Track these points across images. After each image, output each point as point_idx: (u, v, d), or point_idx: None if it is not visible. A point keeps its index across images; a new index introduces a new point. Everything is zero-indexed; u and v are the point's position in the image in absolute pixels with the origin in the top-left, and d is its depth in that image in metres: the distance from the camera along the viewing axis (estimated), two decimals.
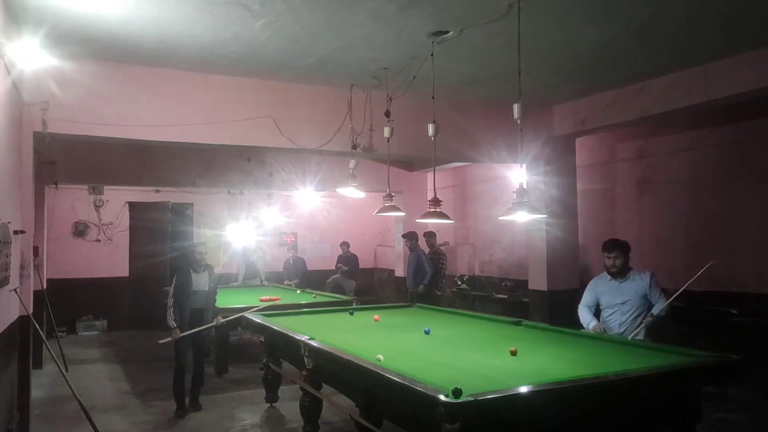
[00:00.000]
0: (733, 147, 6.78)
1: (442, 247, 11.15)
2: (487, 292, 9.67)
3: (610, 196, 8.20)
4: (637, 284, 4.70)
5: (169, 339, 5.65)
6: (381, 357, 3.64)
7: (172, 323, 5.61)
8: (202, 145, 6.14)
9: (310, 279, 10.30)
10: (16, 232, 4.61)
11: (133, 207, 11.17)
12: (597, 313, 4.93)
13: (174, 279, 5.82)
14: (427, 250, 9.11)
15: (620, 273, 4.76)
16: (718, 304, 6.53)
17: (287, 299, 7.82)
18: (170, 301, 5.67)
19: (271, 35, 4.81)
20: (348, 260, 11.30)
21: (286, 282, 10.15)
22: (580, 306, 4.96)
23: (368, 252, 13.00)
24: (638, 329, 4.55)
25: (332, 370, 4.09)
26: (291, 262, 10.65)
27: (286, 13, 4.33)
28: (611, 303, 4.78)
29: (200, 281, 5.84)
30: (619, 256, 4.76)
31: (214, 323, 5.97)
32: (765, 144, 6.45)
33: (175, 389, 5.71)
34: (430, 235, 9.28)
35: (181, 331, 5.65)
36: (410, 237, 9.04)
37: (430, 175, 9.67)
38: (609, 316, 4.80)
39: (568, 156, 7.60)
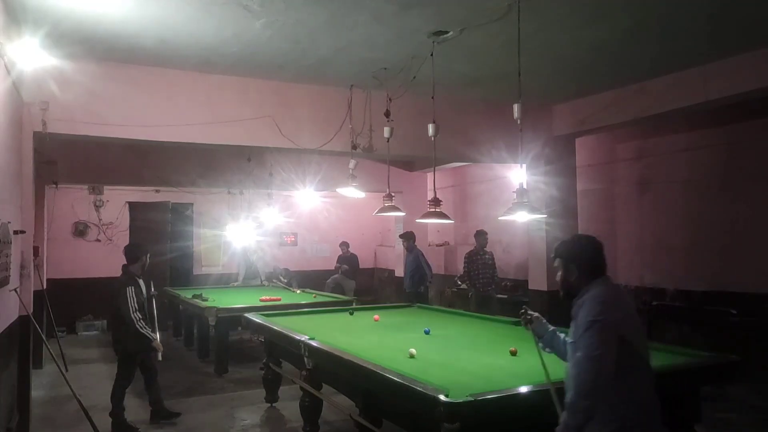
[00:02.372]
0: (731, 147, 6.78)
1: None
2: None
3: (609, 196, 8.20)
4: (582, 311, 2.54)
5: (160, 352, 5.18)
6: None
7: (152, 335, 5.09)
8: (202, 145, 6.14)
9: (310, 279, 10.26)
10: (16, 232, 4.60)
11: (133, 207, 11.15)
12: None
13: (128, 291, 5.05)
14: (425, 249, 9.10)
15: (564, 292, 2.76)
16: (717, 304, 6.53)
17: (287, 299, 7.83)
18: (137, 315, 5.02)
19: (271, 35, 4.81)
20: (348, 260, 11.31)
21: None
22: None
23: (368, 252, 13.00)
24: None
25: (332, 370, 4.10)
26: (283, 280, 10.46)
27: (287, 13, 4.34)
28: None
29: (144, 286, 5.32)
30: (558, 266, 2.74)
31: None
32: (763, 144, 6.46)
33: (115, 405, 5.14)
34: (480, 234, 8.70)
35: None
36: (407, 237, 8.93)
37: (430, 175, 9.65)
38: None
39: (568, 156, 7.60)
